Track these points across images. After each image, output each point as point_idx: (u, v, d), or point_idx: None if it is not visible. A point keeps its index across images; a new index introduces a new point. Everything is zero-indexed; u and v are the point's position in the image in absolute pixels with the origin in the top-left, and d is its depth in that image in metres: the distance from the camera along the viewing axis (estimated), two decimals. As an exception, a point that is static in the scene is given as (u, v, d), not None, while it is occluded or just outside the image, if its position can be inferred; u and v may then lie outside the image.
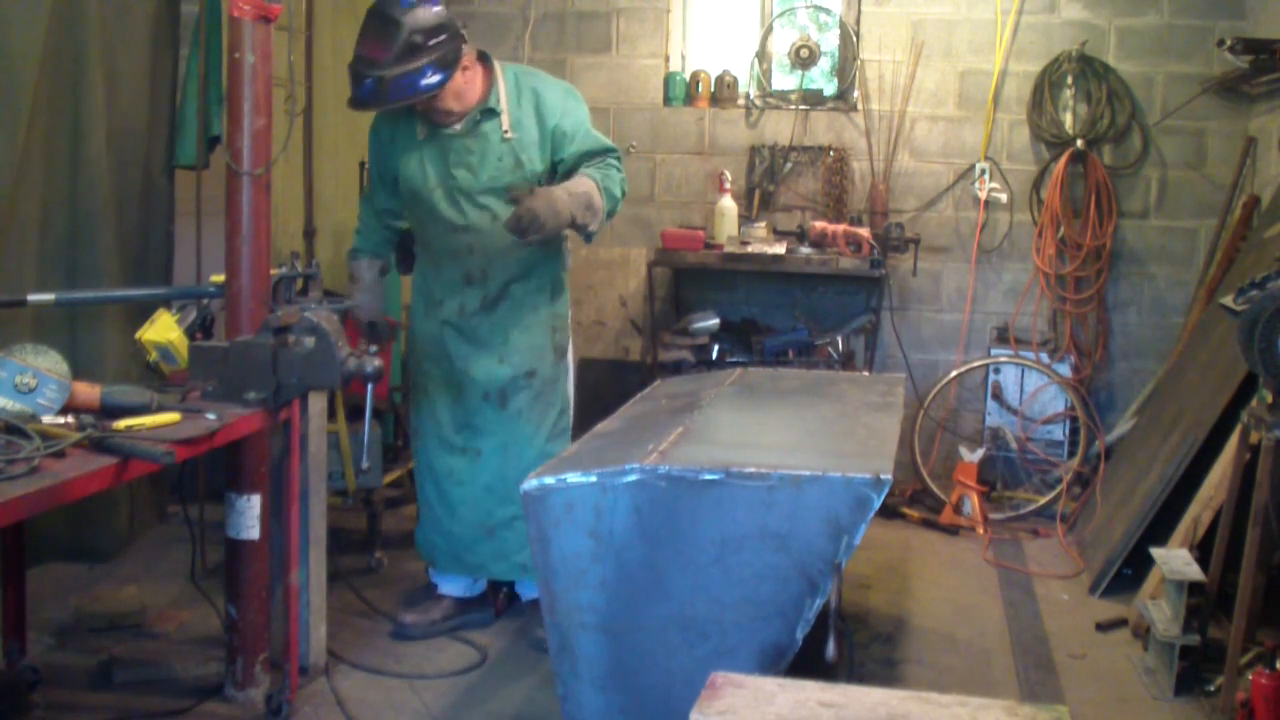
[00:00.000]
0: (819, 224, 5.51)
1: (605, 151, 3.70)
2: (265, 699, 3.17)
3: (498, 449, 3.75)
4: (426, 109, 3.58)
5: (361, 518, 4.54)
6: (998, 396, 5.69)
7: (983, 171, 5.74)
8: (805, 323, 5.59)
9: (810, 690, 1.99)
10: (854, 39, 5.85)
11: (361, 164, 4.69)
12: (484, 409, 3.75)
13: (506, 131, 3.60)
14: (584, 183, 3.57)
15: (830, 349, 5.46)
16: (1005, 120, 5.76)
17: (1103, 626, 4.01)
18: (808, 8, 6.02)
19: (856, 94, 5.86)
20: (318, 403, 3.32)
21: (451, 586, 3.89)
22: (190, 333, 3.18)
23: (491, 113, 3.61)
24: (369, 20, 3.45)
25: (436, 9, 3.45)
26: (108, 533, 4.27)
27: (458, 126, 3.61)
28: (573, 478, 2.61)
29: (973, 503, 5.26)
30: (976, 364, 5.71)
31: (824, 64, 5.99)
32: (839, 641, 2.52)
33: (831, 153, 5.80)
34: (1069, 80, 5.61)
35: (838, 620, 2.52)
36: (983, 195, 5.74)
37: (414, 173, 3.66)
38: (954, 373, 5.70)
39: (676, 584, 2.59)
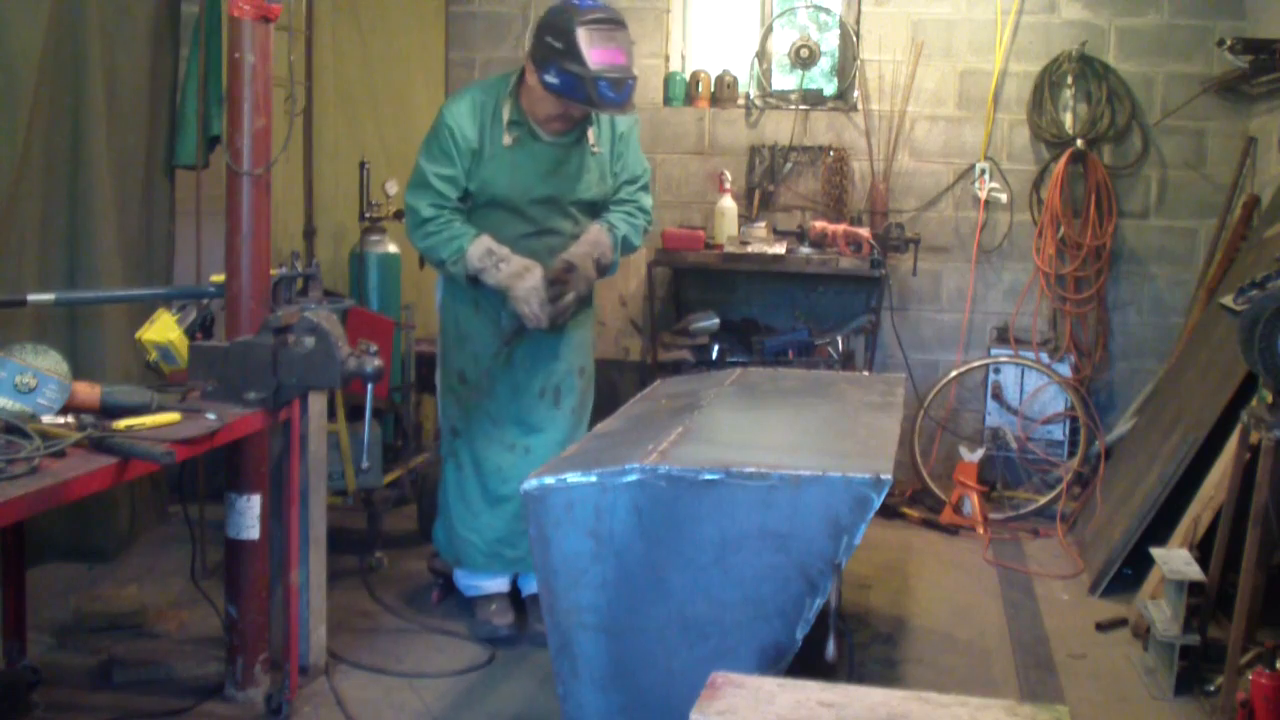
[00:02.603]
0: (819, 224, 5.51)
1: (642, 174, 3.88)
2: (265, 699, 3.18)
3: (551, 445, 3.74)
4: (555, 117, 3.63)
5: (361, 518, 4.54)
6: (998, 396, 5.69)
7: (983, 171, 5.74)
8: (805, 323, 5.60)
9: (810, 690, 1.99)
10: (854, 39, 5.85)
11: (362, 164, 4.69)
12: (539, 406, 3.81)
13: (594, 146, 3.73)
14: (590, 235, 3.74)
15: (830, 349, 5.47)
16: (1005, 120, 5.76)
17: (1103, 626, 4.01)
18: (808, 8, 6.02)
19: (856, 94, 5.86)
20: (318, 403, 3.32)
21: (492, 584, 3.87)
22: (190, 333, 3.18)
23: (586, 126, 3.71)
24: (597, 27, 3.47)
25: None
26: (108, 533, 4.27)
27: (563, 138, 3.68)
28: (573, 478, 2.61)
29: (973, 503, 5.26)
30: (976, 364, 5.71)
31: (824, 64, 5.99)
32: (839, 641, 2.52)
33: (831, 153, 5.80)
34: (1069, 80, 5.61)
35: (838, 620, 2.52)
36: (983, 195, 5.74)
37: (501, 179, 3.65)
38: (954, 373, 5.70)
39: (676, 584, 2.59)
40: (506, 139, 3.63)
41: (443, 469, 3.93)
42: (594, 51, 3.43)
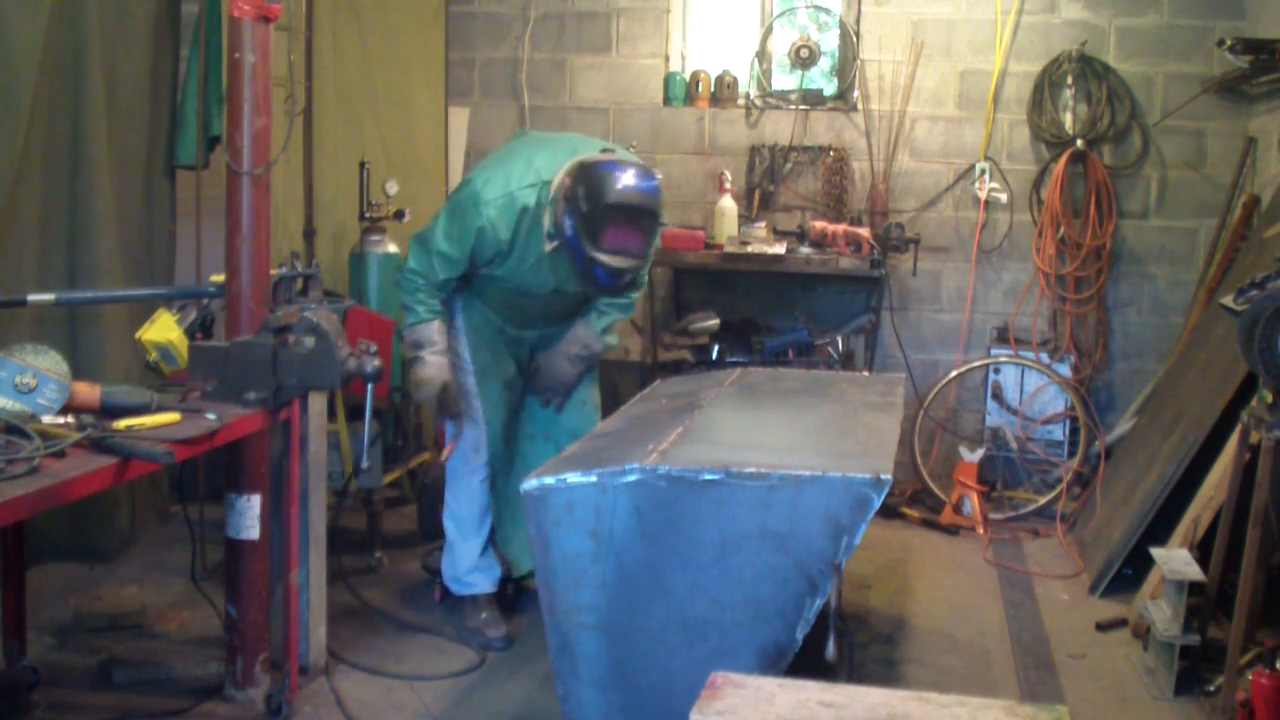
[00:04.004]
0: (819, 224, 5.51)
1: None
2: (265, 699, 3.17)
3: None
4: None
5: (361, 518, 4.54)
6: (998, 396, 5.69)
7: (983, 171, 5.74)
8: (805, 323, 5.59)
9: (810, 690, 1.99)
10: (854, 39, 5.85)
11: (362, 164, 4.69)
12: (570, 407, 3.95)
13: None
14: (578, 337, 3.84)
15: (830, 349, 5.46)
16: (1005, 120, 5.76)
17: (1103, 626, 4.01)
18: (808, 8, 6.02)
19: (856, 94, 5.86)
20: (318, 403, 3.32)
21: (487, 581, 3.87)
22: (190, 333, 3.18)
23: None
24: (623, 213, 3.34)
25: (659, 181, 3.46)
26: (108, 533, 4.27)
27: None
28: (573, 478, 2.61)
29: (973, 503, 5.25)
30: (976, 364, 5.71)
31: (824, 64, 5.99)
32: (839, 641, 2.52)
33: (831, 153, 5.80)
34: (1069, 80, 5.61)
35: (838, 620, 2.52)
36: (983, 195, 5.74)
37: (531, 277, 3.64)
38: (954, 373, 5.70)
39: (676, 584, 2.59)
40: (547, 246, 3.53)
41: (497, 485, 3.86)
42: (610, 234, 3.33)
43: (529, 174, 3.53)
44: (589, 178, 3.35)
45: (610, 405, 4.03)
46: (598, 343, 3.86)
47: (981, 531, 5.15)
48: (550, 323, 3.91)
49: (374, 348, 3.02)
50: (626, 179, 3.33)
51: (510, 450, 3.94)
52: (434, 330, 3.68)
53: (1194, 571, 3.49)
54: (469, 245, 3.56)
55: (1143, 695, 3.49)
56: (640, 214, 3.36)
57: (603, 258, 3.34)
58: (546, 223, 3.48)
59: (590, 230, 3.33)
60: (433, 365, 3.66)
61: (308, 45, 4.58)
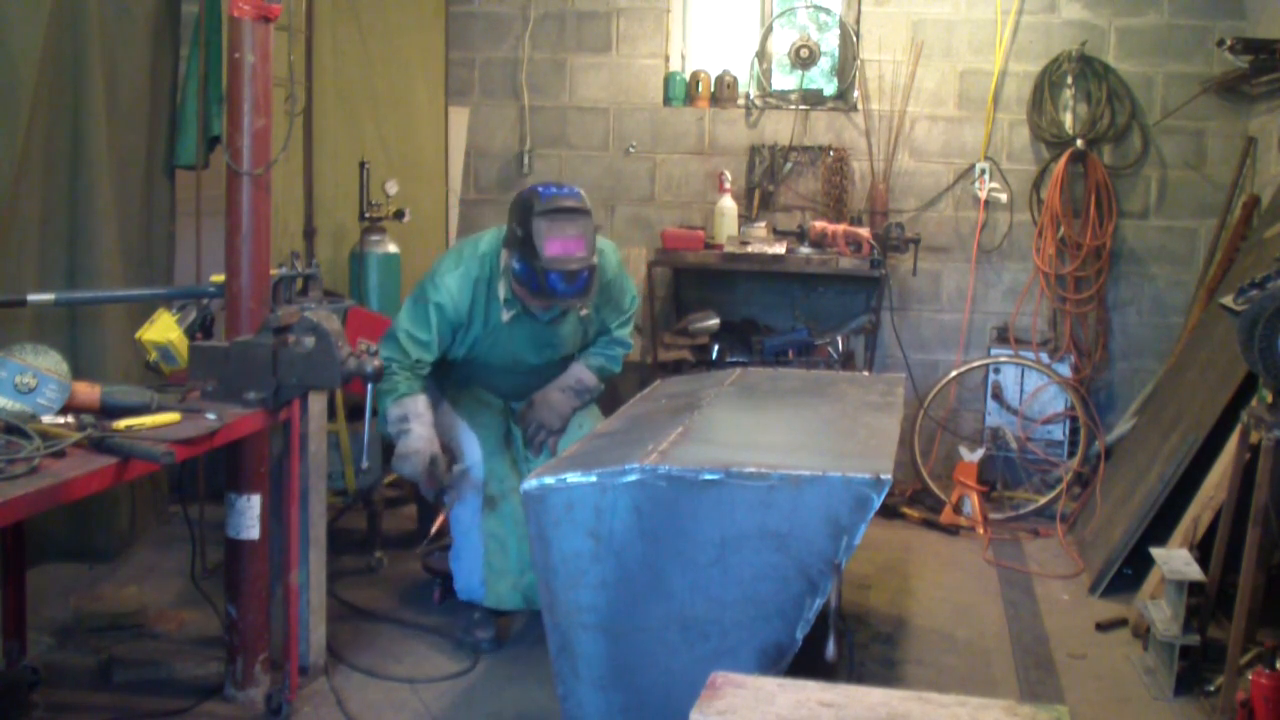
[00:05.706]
0: (819, 224, 5.51)
1: (628, 308, 4.02)
2: (265, 699, 3.18)
3: None
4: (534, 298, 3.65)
5: (361, 518, 4.54)
6: (998, 396, 5.69)
7: (983, 171, 5.74)
8: (805, 323, 5.60)
9: (810, 690, 1.99)
10: (854, 39, 5.85)
11: (362, 164, 4.69)
12: (567, 438, 3.93)
13: (583, 311, 3.81)
14: (572, 373, 3.94)
15: (830, 349, 5.47)
16: (1005, 120, 5.76)
17: (1103, 626, 4.01)
18: (808, 8, 6.02)
19: (856, 94, 5.86)
20: (318, 403, 3.32)
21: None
22: (190, 333, 3.18)
23: None
24: (554, 218, 3.47)
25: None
26: (108, 533, 4.27)
27: (552, 311, 3.71)
28: (573, 477, 2.61)
29: (973, 503, 5.25)
30: (976, 364, 5.71)
31: (824, 64, 5.99)
32: (839, 641, 2.52)
33: (831, 153, 5.80)
34: (1069, 80, 5.61)
35: (838, 620, 2.52)
36: (983, 195, 5.74)
37: (496, 350, 3.79)
38: (954, 373, 5.70)
39: (676, 584, 2.60)
40: (505, 315, 3.70)
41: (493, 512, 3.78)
42: (549, 242, 3.45)
43: (480, 246, 3.72)
44: (519, 206, 3.55)
45: (610, 405, 4.03)
46: (590, 378, 3.96)
47: (981, 531, 5.15)
48: (529, 393, 3.97)
49: (374, 348, 3.02)
50: (549, 189, 3.54)
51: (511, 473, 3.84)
52: (419, 403, 3.68)
53: (1194, 571, 3.49)
54: (433, 323, 3.65)
55: (1143, 695, 3.50)
56: (571, 212, 3.51)
57: (551, 263, 3.45)
58: (502, 292, 3.65)
59: (531, 245, 3.46)
60: (420, 438, 3.63)
61: (308, 45, 4.58)
